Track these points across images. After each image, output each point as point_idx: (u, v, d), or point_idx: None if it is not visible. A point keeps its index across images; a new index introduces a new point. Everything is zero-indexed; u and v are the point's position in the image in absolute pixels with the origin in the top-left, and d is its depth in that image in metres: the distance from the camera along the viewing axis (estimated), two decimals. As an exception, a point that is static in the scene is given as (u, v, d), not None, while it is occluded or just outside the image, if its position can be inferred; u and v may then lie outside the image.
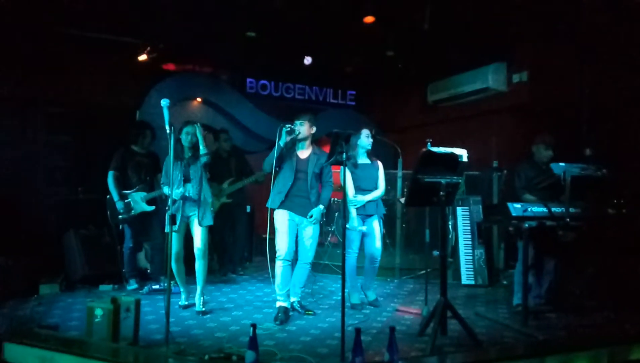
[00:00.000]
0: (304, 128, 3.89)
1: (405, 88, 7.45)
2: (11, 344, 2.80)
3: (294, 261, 3.95)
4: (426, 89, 6.91)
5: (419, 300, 4.61)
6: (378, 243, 4.33)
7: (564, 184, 3.73)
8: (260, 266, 6.30)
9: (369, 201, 4.29)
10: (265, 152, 6.86)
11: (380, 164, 4.46)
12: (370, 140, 4.37)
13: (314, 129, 3.95)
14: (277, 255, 3.82)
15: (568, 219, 3.69)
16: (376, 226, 4.34)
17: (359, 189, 4.34)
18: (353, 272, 4.36)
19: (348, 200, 4.28)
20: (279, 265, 3.82)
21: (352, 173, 4.32)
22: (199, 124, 4.05)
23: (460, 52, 5.84)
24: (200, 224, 3.99)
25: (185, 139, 4.01)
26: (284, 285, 3.85)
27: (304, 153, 3.96)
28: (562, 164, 3.77)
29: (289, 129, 3.78)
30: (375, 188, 4.34)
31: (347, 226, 4.23)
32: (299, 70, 6.88)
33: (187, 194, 3.96)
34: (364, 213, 4.32)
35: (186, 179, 3.96)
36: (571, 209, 3.72)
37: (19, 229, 4.81)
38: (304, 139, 3.93)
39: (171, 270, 3.38)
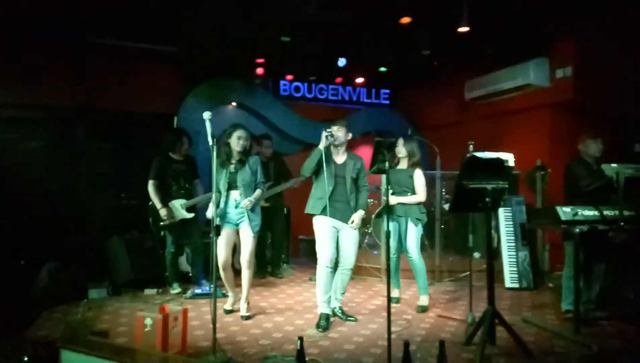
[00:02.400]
0: (341, 134, 3.92)
1: (442, 85, 7.34)
2: (67, 351, 2.91)
3: (335, 267, 3.95)
4: (463, 86, 6.76)
5: (462, 305, 4.55)
6: (411, 245, 4.40)
7: (616, 186, 3.57)
8: (297, 269, 6.33)
9: (398, 204, 4.42)
10: (299, 154, 6.99)
11: (417, 172, 4.51)
12: (398, 150, 4.50)
13: (350, 136, 3.98)
14: (318, 261, 3.83)
15: (622, 224, 3.53)
16: (409, 230, 4.42)
17: (392, 193, 4.48)
18: (393, 269, 4.55)
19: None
20: (320, 272, 3.83)
21: (388, 176, 4.35)
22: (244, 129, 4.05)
23: (500, 48, 5.68)
24: (253, 233, 4.00)
25: (237, 143, 3.99)
26: (326, 292, 3.86)
27: (340, 158, 3.99)
28: (614, 165, 3.61)
29: (329, 133, 3.79)
30: (406, 192, 4.46)
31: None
32: (332, 71, 6.86)
33: (231, 201, 3.97)
34: (395, 214, 4.44)
35: (231, 186, 3.99)
36: (625, 213, 3.55)
37: (66, 235, 4.99)
38: (341, 144, 3.95)
39: (217, 277, 3.41)
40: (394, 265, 4.60)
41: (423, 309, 4.37)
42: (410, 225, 4.44)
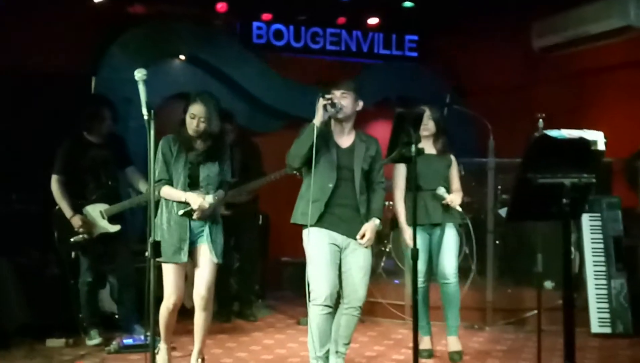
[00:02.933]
0: (347, 102, 3.86)
1: (497, 29, 7.36)
2: None
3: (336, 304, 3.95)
4: (530, 29, 6.77)
5: (526, 360, 4.58)
6: (450, 262, 4.54)
7: None
8: (277, 307, 6.35)
9: (433, 206, 4.49)
10: (280, 134, 6.97)
11: (453, 158, 4.69)
12: (425, 124, 4.50)
13: (360, 105, 3.95)
14: (311, 297, 3.81)
15: None
16: (448, 240, 4.55)
17: (418, 189, 4.41)
18: (421, 305, 4.57)
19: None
20: (314, 314, 3.78)
21: (409, 166, 4.46)
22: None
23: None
24: (216, 257, 3.99)
25: (189, 124, 3.92)
26: (323, 344, 3.83)
27: (345, 139, 3.94)
28: None
29: (330, 101, 3.73)
30: (445, 189, 4.56)
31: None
32: (332, 6, 6.84)
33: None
34: (426, 222, 4.52)
35: (193, 184, 3.95)
36: None
37: None
38: (347, 119, 3.92)
39: (154, 320, 3.40)
40: (422, 300, 4.64)
41: (459, 357, 4.47)
42: (450, 233, 4.53)
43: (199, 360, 4.13)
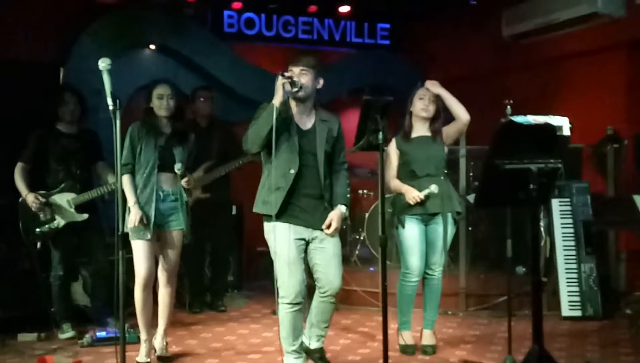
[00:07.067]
0: (307, 80, 3.70)
1: (468, 17, 7.38)
2: None
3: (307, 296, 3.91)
4: (500, 17, 6.79)
5: (498, 344, 4.63)
6: (441, 255, 4.41)
7: None
8: (253, 297, 6.35)
9: (432, 195, 4.27)
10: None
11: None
12: (426, 105, 4.41)
13: (320, 83, 3.79)
14: (279, 294, 3.73)
15: None
16: (445, 234, 4.40)
17: (413, 176, 4.39)
18: (409, 302, 4.44)
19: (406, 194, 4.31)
20: (285, 311, 3.73)
21: (402, 150, 4.42)
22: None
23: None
24: (186, 237, 4.21)
25: (159, 105, 4.11)
26: (295, 337, 3.79)
27: (305, 120, 3.79)
28: None
29: (290, 79, 3.60)
30: (438, 174, 4.39)
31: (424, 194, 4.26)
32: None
33: (162, 189, 4.08)
34: (424, 212, 4.33)
35: (164, 167, 4.07)
36: None
37: None
38: (307, 98, 3.76)
39: (125, 312, 3.39)
40: (410, 295, 4.43)
41: (432, 350, 4.43)
42: (449, 225, 4.36)
43: (164, 342, 4.16)
